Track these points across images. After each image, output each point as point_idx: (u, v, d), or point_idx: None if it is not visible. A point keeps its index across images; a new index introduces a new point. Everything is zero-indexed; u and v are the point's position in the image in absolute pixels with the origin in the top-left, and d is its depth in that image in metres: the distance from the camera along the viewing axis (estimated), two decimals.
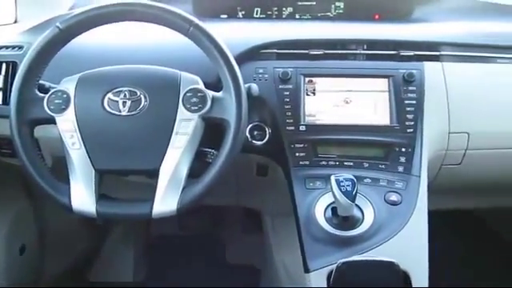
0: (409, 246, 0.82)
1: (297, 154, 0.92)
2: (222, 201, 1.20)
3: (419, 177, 0.90)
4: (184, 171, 0.78)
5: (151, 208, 0.77)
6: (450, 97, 0.99)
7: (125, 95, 0.80)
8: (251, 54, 0.96)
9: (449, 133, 0.98)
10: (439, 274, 0.86)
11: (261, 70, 0.96)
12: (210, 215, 1.52)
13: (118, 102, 0.79)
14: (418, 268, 0.81)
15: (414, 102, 0.95)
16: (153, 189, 0.78)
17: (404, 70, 0.97)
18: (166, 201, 0.77)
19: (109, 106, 0.79)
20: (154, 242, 1.61)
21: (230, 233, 1.54)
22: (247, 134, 0.93)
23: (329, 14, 1.22)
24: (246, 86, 0.84)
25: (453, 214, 1.27)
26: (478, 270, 1.57)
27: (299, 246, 0.86)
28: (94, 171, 0.78)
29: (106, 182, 0.81)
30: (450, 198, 1.22)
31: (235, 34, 1.03)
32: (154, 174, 0.78)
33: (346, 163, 0.92)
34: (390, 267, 0.76)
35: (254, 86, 0.88)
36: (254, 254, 1.44)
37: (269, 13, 1.21)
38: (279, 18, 1.20)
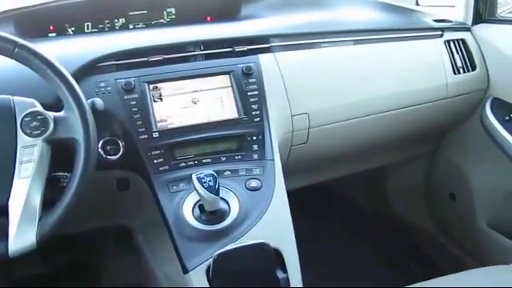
0: (275, 226, 0.88)
1: (155, 161, 0.91)
2: (87, 225, 1.14)
3: (273, 160, 0.96)
4: (37, 201, 0.74)
5: (6, 246, 0.70)
6: (287, 83, 1.07)
7: None
8: (88, 69, 0.93)
9: (291, 116, 1.07)
10: (307, 244, 0.94)
11: (102, 84, 0.93)
12: (77, 243, 1.43)
13: None
14: (287, 244, 0.86)
15: (256, 92, 1.01)
16: (5, 227, 0.71)
17: (242, 65, 1.02)
18: (22, 236, 0.71)
19: None
20: (18, 286, 1.46)
21: (103, 257, 1.47)
22: (100, 150, 0.90)
23: (162, 20, 1.24)
24: (89, 101, 0.82)
25: (309, 189, 1.38)
26: (335, 233, 1.74)
27: (174, 250, 0.86)
28: None
29: None
30: (304, 175, 1.33)
31: (68, 51, 0.99)
32: (1, 211, 0.72)
33: (204, 161, 0.94)
34: (262, 248, 0.80)
35: (98, 101, 0.86)
36: (132, 273, 1.39)
37: (100, 26, 1.18)
38: (112, 29, 1.19)
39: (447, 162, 1.52)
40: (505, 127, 1.24)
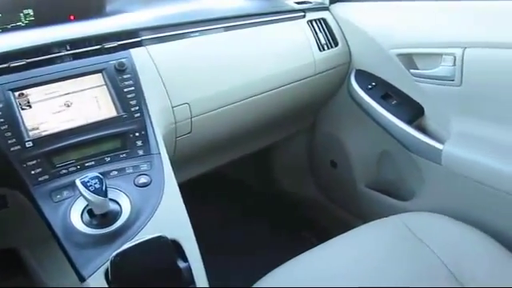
0: (170, 218, 0.87)
1: (32, 172, 0.86)
2: None
3: (159, 154, 0.96)
4: None
5: None
6: (163, 75, 1.07)
7: None
8: None
9: (172, 107, 1.07)
10: (205, 232, 0.96)
11: None
12: None
13: None
14: (184, 233, 0.87)
15: (133, 88, 0.99)
16: None
17: (114, 62, 1.00)
18: None
19: None
20: None
21: None
22: None
23: (20, 23, 1.15)
24: None
25: (201, 178, 1.39)
26: (230, 216, 1.80)
27: (68, 261, 0.82)
28: None
29: None
30: (194, 165, 1.34)
31: None
32: None
33: (87, 164, 0.91)
34: (159, 241, 0.80)
35: None
36: None
37: None
38: None
39: (325, 133, 1.64)
40: (369, 95, 1.36)
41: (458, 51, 1.12)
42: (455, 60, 1.12)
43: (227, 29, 1.23)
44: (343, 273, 0.94)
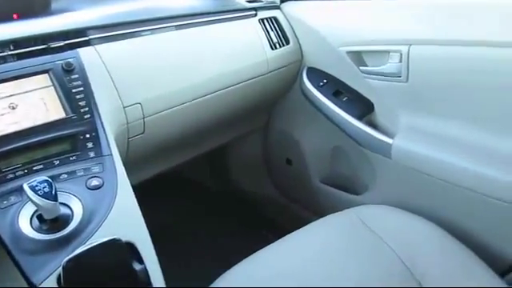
0: (124, 220, 0.86)
1: None
2: None
3: (111, 155, 0.93)
4: None
5: None
6: (113, 75, 1.04)
7: None
8: None
9: (123, 107, 1.05)
10: (164, 234, 0.94)
11: None
12: None
13: None
14: (139, 235, 0.85)
15: (82, 88, 0.97)
16: None
17: (61, 61, 0.97)
18: None
19: None
20: None
21: None
22: None
23: None
24: None
25: (157, 179, 1.38)
26: (188, 217, 1.78)
27: (17, 268, 0.79)
28: None
29: None
30: (148, 166, 1.32)
31: None
32: None
33: (35, 168, 0.87)
34: (113, 244, 0.78)
35: None
36: None
37: None
38: None
39: (279, 131, 1.65)
40: (320, 91, 1.39)
41: (403, 48, 1.15)
42: (401, 57, 1.16)
43: (178, 27, 1.22)
44: (299, 269, 0.95)
